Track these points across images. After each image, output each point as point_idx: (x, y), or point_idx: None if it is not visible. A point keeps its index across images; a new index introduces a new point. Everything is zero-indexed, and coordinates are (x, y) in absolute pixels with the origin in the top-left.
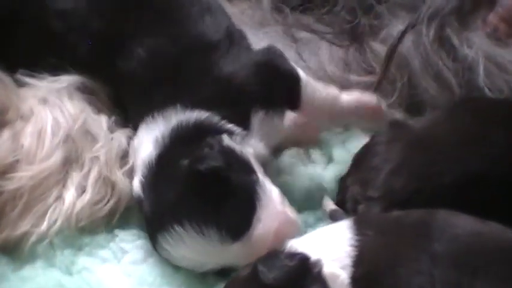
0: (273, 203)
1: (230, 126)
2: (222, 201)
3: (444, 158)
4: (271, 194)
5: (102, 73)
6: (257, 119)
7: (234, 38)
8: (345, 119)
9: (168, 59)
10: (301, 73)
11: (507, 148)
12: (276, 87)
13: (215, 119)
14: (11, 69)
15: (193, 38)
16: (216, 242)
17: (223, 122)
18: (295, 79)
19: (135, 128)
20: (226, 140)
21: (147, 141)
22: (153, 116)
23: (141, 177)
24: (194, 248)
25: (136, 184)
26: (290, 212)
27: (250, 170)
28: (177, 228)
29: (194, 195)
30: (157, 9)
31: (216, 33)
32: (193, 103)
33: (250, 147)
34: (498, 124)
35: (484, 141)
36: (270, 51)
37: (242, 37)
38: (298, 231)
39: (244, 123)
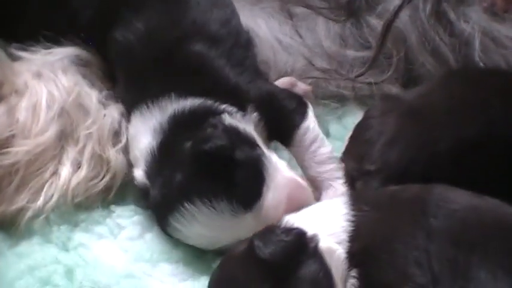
0: (280, 172)
1: (225, 106)
2: (229, 175)
3: (438, 125)
4: (277, 165)
5: (100, 46)
6: (253, 111)
7: (240, 39)
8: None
9: (167, 42)
10: (306, 123)
11: (502, 114)
12: (274, 120)
13: (210, 102)
14: (8, 39)
15: (196, 27)
16: (229, 214)
17: (217, 103)
18: (292, 122)
19: (127, 110)
20: (227, 118)
21: (144, 131)
22: (147, 106)
23: (145, 167)
24: (207, 224)
25: (140, 173)
26: (299, 179)
27: (255, 145)
28: (188, 206)
29: (202, 173)
30: None
31: (222, 28)
32: (189, 92)
33: (251, 123)
34: (492, 91)
35: (478, 107)
36: (285, 93)
37: (249, 42)
38: (311, 197)
39: (241, 108)
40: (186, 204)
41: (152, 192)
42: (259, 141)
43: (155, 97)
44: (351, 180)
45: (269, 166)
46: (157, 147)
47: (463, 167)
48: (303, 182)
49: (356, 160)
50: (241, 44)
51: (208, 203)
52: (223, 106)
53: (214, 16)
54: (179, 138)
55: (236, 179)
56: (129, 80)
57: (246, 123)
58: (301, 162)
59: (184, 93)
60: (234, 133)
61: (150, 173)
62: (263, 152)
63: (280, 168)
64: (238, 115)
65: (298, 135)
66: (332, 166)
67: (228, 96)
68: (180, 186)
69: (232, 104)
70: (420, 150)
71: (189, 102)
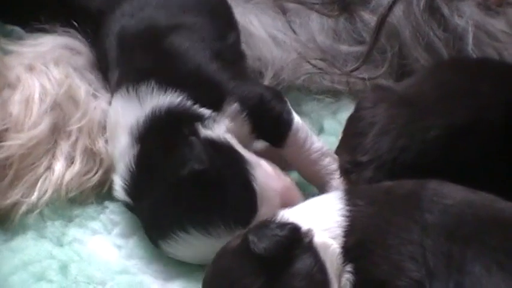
0: (267, 175)
1: (201, 110)
2: (218, 195)
3: (429, 113)
4: (261, 168)
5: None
6: (229, 106)
7: (233, 47)
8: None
9: (163, 27)
10: (295, 122)
11: (491, 100)
12: (263, 124)
13: (187, 103)
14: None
15: (193, 23)
16: (226, 235)
17: (195, 106)
18: (283, 124)
19: (111, 91)
20: (202, 131)
21: (124, 126)
22: (128, 91)
23: (124, 184)
24: (205, 248)
25: (120, 189)
26: (285, 177)
27: (234, 153)
28: (182, 234)
29: (188, 198)
30: None
31: (216, 30)
32: (170, 81)
33: (224, 126)
34: (480, 78)
35: (468, 94)
36: (273, 94)
37: (242, 55)
38: (299, 194)
39: (216, 106)
40: (178, 232)
41: (140, 213)
42: (237, 143)
43: (136, 81)
44: (345, 173)
45: (255, 174)
46: (135, 161)
47: (454, 154)
48: (290, 181)
49: (349, 152)
50: (232, 49)
51: (203, 230)
52: (200, 110)
53: (211, 20)
54: (156, 152)
55: (225, 198)
56: (120, 56)
57: (220, 127)
58: (296, 163)
59: (163, 82)
60: (210, 147)
61: (131, 193)
62: (243, 158)
63: (265, 171)
64: (211, 120)
65: (291, 135)
66: (327, 160)
67: (205, 88)
68: (169, 213)
69: (207, 100)
70: (411, 139)
71: (167, 100)
